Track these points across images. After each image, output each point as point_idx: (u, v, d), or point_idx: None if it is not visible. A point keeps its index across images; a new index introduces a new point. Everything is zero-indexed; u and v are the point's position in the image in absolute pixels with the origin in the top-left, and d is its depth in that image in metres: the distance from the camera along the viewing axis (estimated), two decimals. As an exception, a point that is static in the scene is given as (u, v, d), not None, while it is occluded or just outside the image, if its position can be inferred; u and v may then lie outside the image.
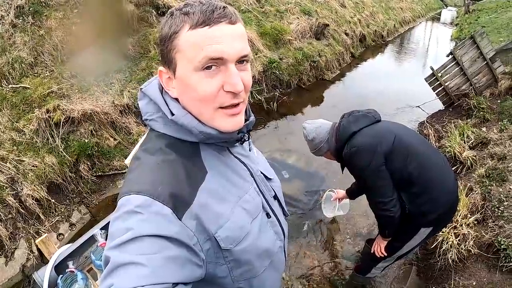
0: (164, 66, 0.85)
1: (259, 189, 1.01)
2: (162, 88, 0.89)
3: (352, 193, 3.01)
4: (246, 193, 0.93)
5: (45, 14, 4.56)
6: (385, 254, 2.37)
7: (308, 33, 7.73)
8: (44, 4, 4.62)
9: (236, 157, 0.97)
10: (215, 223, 0.82)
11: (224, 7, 0.79)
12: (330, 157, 2.38)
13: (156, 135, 0.88)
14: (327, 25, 8.13)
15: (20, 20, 4.36)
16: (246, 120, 0.94)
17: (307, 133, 2.31)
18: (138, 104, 0.94)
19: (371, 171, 1.99)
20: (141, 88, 0.92)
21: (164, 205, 0.73)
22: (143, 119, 0.91)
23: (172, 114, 0.84)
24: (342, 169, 2.36)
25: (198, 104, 0.82)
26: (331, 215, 3.48)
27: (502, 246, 2.71)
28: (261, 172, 1.07)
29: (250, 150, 1.07)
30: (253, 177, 1.00)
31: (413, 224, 2.15)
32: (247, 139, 0.97)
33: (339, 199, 3.22)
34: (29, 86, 3.95)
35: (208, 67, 0.77)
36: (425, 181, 2.01)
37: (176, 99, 0.87)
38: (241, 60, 0.81)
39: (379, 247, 2.37)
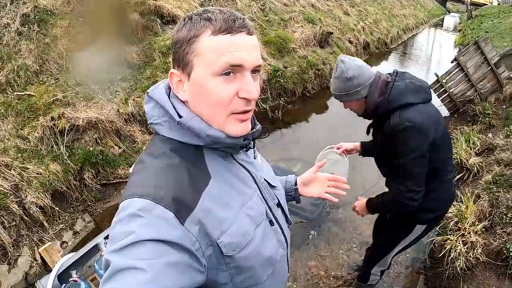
0: (177, 69, 0.86)
1: (263, 196, 1.00)
2: (169, 92, 0.90)
3: (367, 150, 2.41)
4: (250, 199, 0.93)
5: (50, 22, 4.60)
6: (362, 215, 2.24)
7: (312, 41, 7.76)
8: (49, 13, 4.66)
9: (240, 163, 0.97)
10: (218, 229, 0.81)
11: (243, 18, 0.82)
12: (357, 107, 1.97)
13: (161, 139, 0.88)
14: (331, 33, 8.17)
15: (26, 28, 4.39)
16: (252, 128, 0.95)
17: (346, 68, 1.83)
18: (144, 111, 0.96)
19: (417, 155, 1.76)
20: (147, 92, 0.92)
21: (167, 209, 0.72)
22: (148, 123, 0.91)
23: (180, 117, 0.85)
24: (368, 131, 2.10)
25: (212, 109, 0.83)
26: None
27: (511, 253, 2.67)
28: (265, 180, 1.07)
29: (255, 158, 1.08)
30: (256, 184, 0.99)
31: (411, 220, 2.07)
32: (252, 146, 0.98)
33: (343, 152, 2.42)
34: (34, 94, 3.97)
35: (226, 73, 0.79)
36: (444, 178, 1.93)
37: (184, 102, 0.88)
38: (254, 70, 0.84)
39: (358, 212, 2.25)
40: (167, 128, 0.87)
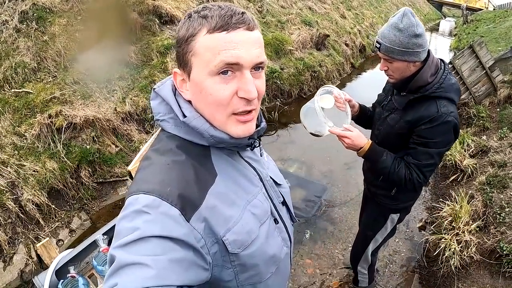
0: (179, 68, 0.86)
1: (268, 194, 1.00)
2: (176, 89, 0.89)
3: (362, 116, 2.26)
4: (255, 197, 0.93)
5: (49, 20, 4.59)
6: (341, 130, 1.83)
7: (309, 43, 7.80)
8: (48, 10, 4.66)
9: (246, 161, 0.97)
10: (224, 227, 0.81)
11: (242, 12, 0.79)
12: (401, 69, 1.73)
13: (167, 136, 0.88)
14: (328, 35, 8.21)
15: (24, 25, 4.39)
16: (257, 126, 0.93)
17: (416, 23, 1.60)
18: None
19: (444, 151, 1.75)
20: (154, 88, 0.91)
21: (172, 206, 0.72)
22: (154, 119, 0.91)
23: (184, 116, 0.84)
24: (382, 102, 2.05)
25: (211, 108, 0.82)
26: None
27: (504, 252, 2.70)
28: (271, 177, 1.06)
29: (261, 156, 1.07)
30: (262, 182, 0.99)
31: (386, 211, 2.14)
32: (257, 145, 0.97)
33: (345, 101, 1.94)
34: (31, 91, 3.96)
35: (224, 72, 0.77)
36: None
37: (189, 101, 0.87)
38: (256, 67, 0.81)
39: (346, 139, 1.81)
40: (173, 125, 0.87)
